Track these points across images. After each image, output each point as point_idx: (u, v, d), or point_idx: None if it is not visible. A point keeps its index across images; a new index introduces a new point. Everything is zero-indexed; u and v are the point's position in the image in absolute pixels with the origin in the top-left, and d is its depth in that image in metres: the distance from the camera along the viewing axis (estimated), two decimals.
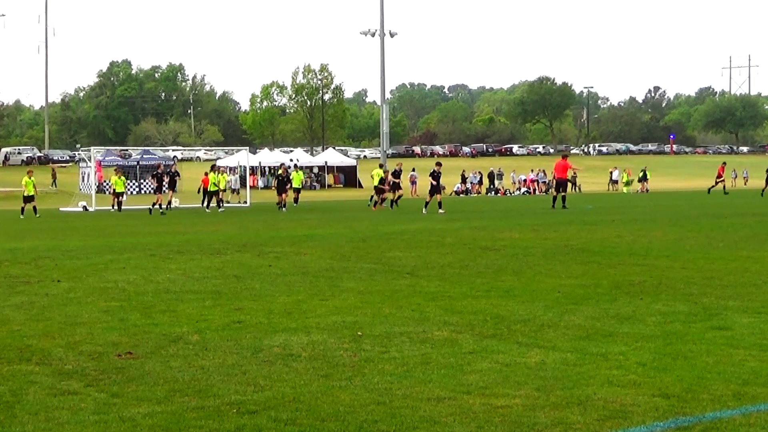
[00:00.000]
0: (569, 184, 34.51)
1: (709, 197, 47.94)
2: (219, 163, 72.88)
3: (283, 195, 40.32)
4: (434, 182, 34.75)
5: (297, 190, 44.06)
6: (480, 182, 70.64)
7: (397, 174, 41.43)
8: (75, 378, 7.26)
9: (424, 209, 34.03)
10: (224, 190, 44.11)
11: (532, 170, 76.45)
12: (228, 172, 68.13)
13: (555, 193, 36.10)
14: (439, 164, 36.07)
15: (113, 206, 42.70)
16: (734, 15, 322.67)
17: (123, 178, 43.57)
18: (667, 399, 6.41)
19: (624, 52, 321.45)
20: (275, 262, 15.62)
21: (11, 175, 74.47)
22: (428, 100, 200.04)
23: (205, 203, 41.19)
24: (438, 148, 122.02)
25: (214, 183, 40.96)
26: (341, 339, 8.70)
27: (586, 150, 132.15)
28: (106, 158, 64.95)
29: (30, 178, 38.43)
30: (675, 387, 6.73)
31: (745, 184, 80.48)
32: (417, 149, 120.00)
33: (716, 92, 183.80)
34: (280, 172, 42.91)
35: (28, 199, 37.73)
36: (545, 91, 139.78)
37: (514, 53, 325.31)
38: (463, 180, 69.32)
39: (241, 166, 64.51)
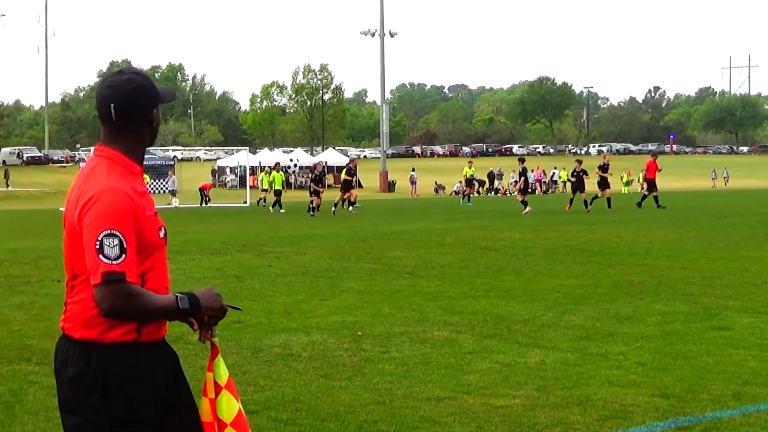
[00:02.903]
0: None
1: (708, 197, 47.91)
2: (219, 163, 72.88)
3: (318, 198, 35.49)
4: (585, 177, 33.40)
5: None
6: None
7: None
8: None
9: (587, 207, 32.82)
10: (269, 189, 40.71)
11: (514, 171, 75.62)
12: (228, 172, 68.11)
13: (647, 193, 35.61)
14: (579, 162, 34.66)
15: None
16: (734, 15, 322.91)
17: None
18: (667, 399, 6.41)
19: (624, 52, 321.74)
20: (275, 262, 15.61)
21: (11, 176, 74.43)
22: (428, 100, 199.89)
23: (272, 204, 38.84)
24: (438, 148, 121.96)
25: (270, 181, 39.27)
26: (341, 339, 8.70)
27: (585, 150, 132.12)
28: None
29: None
30: (675, 387, 6.72)
31: (725, 184, 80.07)
32: (417, 149, 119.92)
33: (716, 92, 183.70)
34: (316, 170, 38.19)
35: None
36: (545, 91, 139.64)
37: (514, 53, 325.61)
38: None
39: (241, 166, 64.49)
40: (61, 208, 31.91)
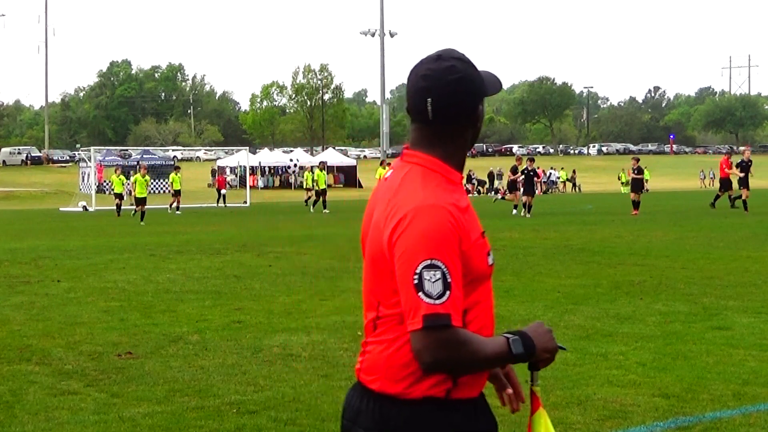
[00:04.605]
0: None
1: (708, 197, 47.87)
2: (219, 163, 72.85)
3: None
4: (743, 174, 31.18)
5: None
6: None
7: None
8: (75, 378, 7.27)
9: (742, 205, 30.71)
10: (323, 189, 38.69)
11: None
12: (228, 172, 68.12)
13: (720, 193, 34.05)
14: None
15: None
16: (734, 15, 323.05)
17: (123, 177, 39.25)
18: (667, 399, 6.41)
19: (624, 52, 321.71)
20: (275, 262, 15.61)
21: (11, 176, 74.46)
22: None
23: (312, 203, 38.35)
24: None
25: (315, 179, 38.36)
26: (341, 339, 8.69)
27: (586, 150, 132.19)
28: (106, 158, 64.94)
29: (143, 177, 33.55)
30: (675, 387, 6.72)
31: (712, 185, 79.85)
32: None
33: (716, 92, 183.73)
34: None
35: (139, 201, 32.42)
36: (545, 91, 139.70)
37: (514, 53, 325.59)
38: (469, 179, 69.02)
39: (241, 166, 64.52)
40: (62, 208, 31.75)
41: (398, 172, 2.50)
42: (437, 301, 2.27)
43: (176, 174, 38.97)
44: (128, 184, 37.95)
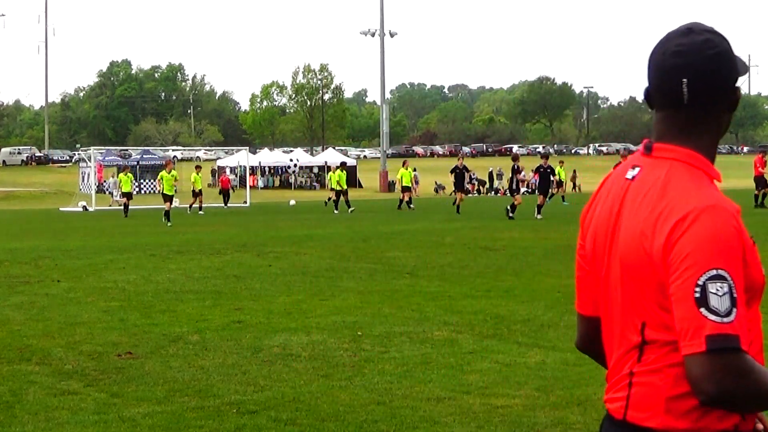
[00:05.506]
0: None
1: None
2: (219, 163, 72.86)
3: (461, 194, 33.62)
4: None
5: (407, 189, 38.40)
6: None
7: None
8: (75, 378, 7.27)
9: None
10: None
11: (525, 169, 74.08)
12: (228, 172, 68.18)
13: (757, 192, 33.65)
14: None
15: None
16: (734, 15, 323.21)
17: (131, 176, 38.16)
18: None
19: (624, 52, 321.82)
20: (275, 262, 15.62)
21: (11, 176, 74.48)
22: (428, 100, 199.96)
23: (334, 204, 37.51)
24: (438, 148, 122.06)
25: (337, 180, 37.99)
26: (341, 339, 8.70)
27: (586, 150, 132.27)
28: (106, 158, 64.90)
29: (169, 173, 32.10)
30: None
31: None
32: (419, 149, 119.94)
33: None
34: (457, 163, 35.23)
35: (167, 198, 31.38)
36: (545, 91, 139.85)
37: (514, 53, 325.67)
38: (469, 180, 68.84)
39: (241, 166, 64.52)
40: (62, 208, 31.57)
41: (653, 169, 2.15)
42: (725, 320, 1.93)
43: (197, 174, 37.68)
44: (157, 182, 35.94)
